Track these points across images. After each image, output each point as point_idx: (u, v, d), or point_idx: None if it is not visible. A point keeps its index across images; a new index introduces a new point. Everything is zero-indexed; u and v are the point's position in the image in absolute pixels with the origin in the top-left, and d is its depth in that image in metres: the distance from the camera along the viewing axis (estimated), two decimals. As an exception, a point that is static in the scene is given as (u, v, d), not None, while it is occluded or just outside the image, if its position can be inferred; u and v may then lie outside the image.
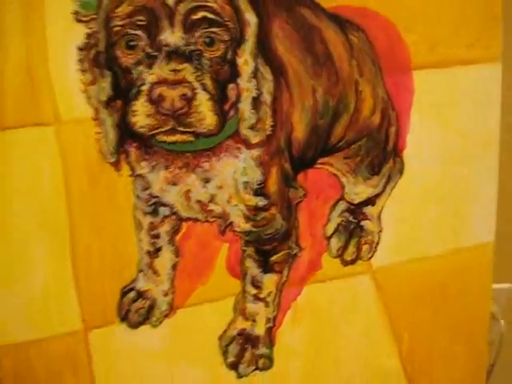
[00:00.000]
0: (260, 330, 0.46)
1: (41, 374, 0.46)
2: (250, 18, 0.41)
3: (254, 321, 0.45)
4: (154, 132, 0.40)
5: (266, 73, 0.42)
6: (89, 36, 0.42)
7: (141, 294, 0.46)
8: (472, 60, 0.42)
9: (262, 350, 0.46)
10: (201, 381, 0.45)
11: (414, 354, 0.45)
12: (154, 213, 0.45)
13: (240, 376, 0.45)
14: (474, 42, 0.42)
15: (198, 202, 0.43)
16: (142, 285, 0.46)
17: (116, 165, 0.43)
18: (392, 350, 0.45)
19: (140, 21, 0.39)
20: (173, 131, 0.40)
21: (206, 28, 0.39)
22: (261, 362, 0.46)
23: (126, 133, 0.42)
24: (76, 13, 0.42)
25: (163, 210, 0.45)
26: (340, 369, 0.45)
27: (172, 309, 0.45)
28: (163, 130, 0.40)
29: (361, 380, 0.45)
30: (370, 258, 0.45)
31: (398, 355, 0.45)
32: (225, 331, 0.45)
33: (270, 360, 0.46)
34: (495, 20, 0.42)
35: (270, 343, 0.45)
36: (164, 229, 0.45)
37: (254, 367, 0.46)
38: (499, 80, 0.42)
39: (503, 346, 0.73)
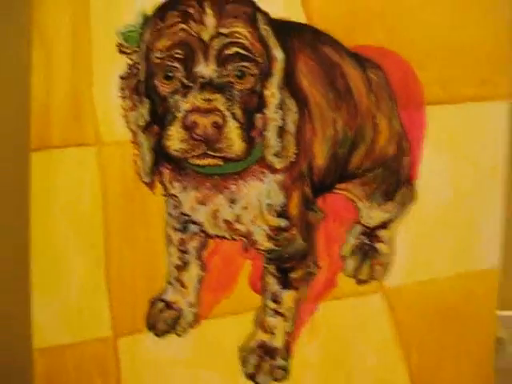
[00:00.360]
0: (278, 342, 0.49)
1: (71, 377, 0.49)
2: (278, 54, 0.45)
3: (272, 334, 0.49)
4: (186, 155, 0.44)
5: (291, 104, 0.45)
6: (130, 66, 0.46)
7: (168, 305, 0.49)
8: (482, 97, 0.46)
9: (280, 361, 0.49)
10: (221, 389, 0.48)
11: (422, 373, 0.48)
12: (184, 230, 0.49)
13: (258, 386, 0.48)
14: (484, 80, 0.45)
15: (225, 221, 0.47)
16: (169, 296, 0.49)
17: (151, 184, 0.47)
18: (402, 368, 0.48)
19: (177, 54, 0.43)
20: (204, 155, 0.43)
21: (238, 62, 0.43)
22: (278, 374, 0.49)
23: (160, 155, 0.46)
24: (120, 45, 0.47)
25: (192, 228, 0.48)
26: (352, 383, 0.48)
27: (197, 320, 0.49)
28: (195, 154, 0.43)
29: None
30: (383, 278, 0.48)
31: (407, 372, 0.48)
32: (245, 342, 0.49)
33: (286, 371, 0.49)
34: (504, 60, 0.45)
35: (287, 355, 0.49)
36: (192, 245, 0.49)
37: (271, 378, 0.49)
38: (507, 116, 0.46)
39: (512, 372, 0.74)
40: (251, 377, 0.48)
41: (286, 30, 0.46)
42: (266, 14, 0.44)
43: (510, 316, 0.75)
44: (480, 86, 0.45)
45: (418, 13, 0.44)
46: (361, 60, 0.46)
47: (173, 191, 0.47)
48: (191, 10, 0.43)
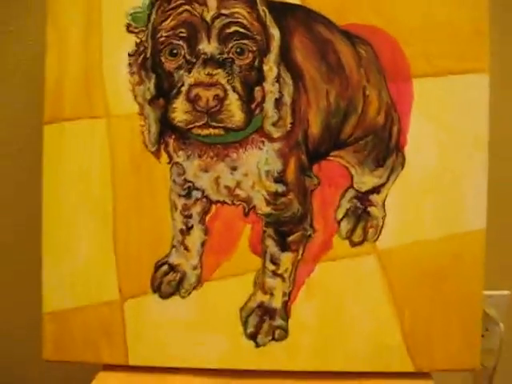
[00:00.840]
0: (277, 303, 0.52)
1: (78, 339, 0.53)
2: (275, 32, 0.51)
3: (271, 294, 0.52)
4: (190, 126, 0.49)
5: (287, 78, 0.50)
6: (138, 44, 0.52)
7: (173, 268, 0.53)
8: (464, 70, 0.51)
9: (279, 321, 0.52)
10: (222, 349, 0.52)
11: (414, 331, 0.51)
12: (188, 196, 0.53)
13: (258, 345, 0.52)
14: (465, 55, 0.51)
15: (226, 187, 0.51)
16: (174, 259, 0.53)
17: (156, 153, 0.52)
18: (394, 325, 0.52)
19: (182, 33, 0.49)
20: (206, 126, 0.49)
21: (238, 40, 0.49)
22: (277, 333, 0.52)
23: (166, 126, 0.51)
24: (128, 25, 0.51)
25: (195, 194, 0.53)
26: (347, 341, 0.52)
27: (200, 282, 0.53)
28: (198, 124, 0.49)
29: (366, 352, 0.52)
30: (376, 240, 0.52)
31: (400, 329, 0.52)
32: (246, 303, 0.53)
33: (285, 331, 0.52)
34: (482, 36, 0.51)
35: (286, 316, 0.53)
36: (196, 210, 0.53)
37: (270, 337, 0.52)
38: (487, 88, 0.50)
39: (503, 348, 0.78)
40: (252, 337, 0.52)
41: (281, 10, 0.51)
42: None
43: (502, 295, 0.79)
44: (462, 59, 0.51)
45: None
46: (351, 37, 0.51)
47: (177, 159, 0.51)
48: None
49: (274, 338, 0.54)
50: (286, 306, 0.55)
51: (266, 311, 0.55)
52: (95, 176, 0.54)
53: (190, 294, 0.55)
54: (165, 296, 0.55)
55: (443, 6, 0.52)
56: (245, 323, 0.54)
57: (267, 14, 0.51)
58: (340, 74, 0.54)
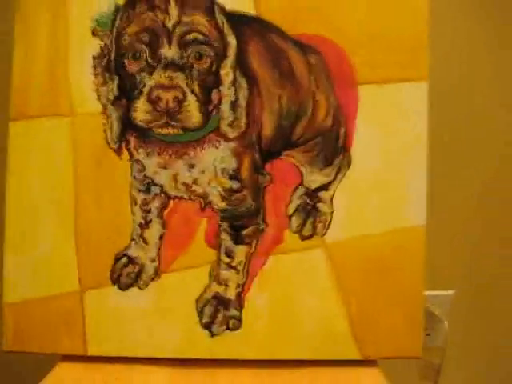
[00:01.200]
0: (231, 294, 0.56)
1: (39, 330, 0.56)
2: (231, 40, 0.58)
3: (226, 286, 0.56)
4: (150, 125, 0.55)
5: (243, 82, 0.56)
6: (102, 48, 0.56)
7: (131, 260, 0.57)
8: (405, 78, 0.57)
9: (233, 311, 0.56)
10: (179, 338, 0.55)
11: (361, 317, 0.56)
12: (147, 191, 0.57)
13: (213, 335, 0.56)
14: (406, 64, 0.56)
15: (184, 183, 0.56)
16: (132, 252, 0.57)
17: (118, 151, 0.56)
18: (342, 313, 0.56)
19: (144, 37, 0.57)
20: (166, 125, 0.54)
21: (197, 46, 0.55)
22: (231, 323, 0.56)
23: (127, 125, 0.55)
24: (94, 29, 0.55)
25: (154, 189, 0.57)
26: (298, 330, 0.57)
27: (157, 274, 0.57)
28: (158, 123, 0.54)
29: (316, 340, 0.57)
30: (324, 234, 0.57)
31: (347, 317, 0.56)
32: (201, 294, 0.56)
33: (239, 321, 0.56)
34: (423, 46, 0.56)
35: (240, 306, 0.57)
36: (154, 205, 0.57)
37: (225, 327, 0.56)
38: (426, 94, 0.55)
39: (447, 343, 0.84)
40: (207, 326, 0.56)
41: (238, 20, 0.57)
42: (221, 6, 0.55)
43: (446, 295, 0.84)
44: (404, 68, 0.57)
45: (350, 5, 0.55)
46: (302, 46, 0.57)
47: (138, 157, 0.55)
48: (157, 1, 0.55)
49: (228, 328, 0.58)
50: (239, 296, 0.58)
51: (220, 302, 0.58)
52: (58, 172, 0.58)
53: (147, 285, 0.58)
54: (124, 287, 0.58)
55: (387, 18, 0.59)
56: (200, 313, 0.58)
57: (225, 22, 0.56)
58: (292, 80, 0.59)
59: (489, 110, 0.84)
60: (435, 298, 0.85)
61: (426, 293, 0.85)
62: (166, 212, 0.59)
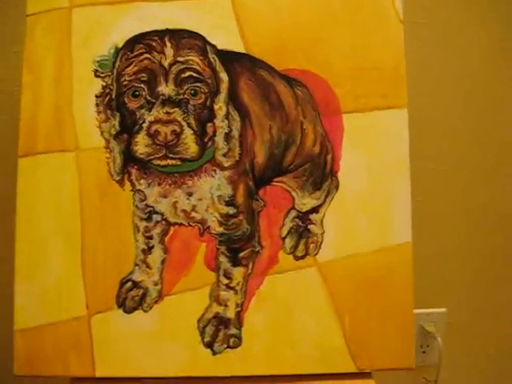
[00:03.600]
0: (231, 313, 0.61)
1: (49, 354, 0.60)
2: (224, 76, 0.64)
3: (226, 306, 0.62)
4: (150, 158, 0.61)
5: (235, 115, 0.62)
6: (104, 87, 0.62)
7: (136, 284, 0.62)
8: (386, 106, 0.63)
9: (233, 330, 0.61)
10: (182, 358, 0.60)
11: (354, 334, 0.61)
12: (149, 219, 0.62)
13: (215, 353, 0.60)
14: (386, 93, 0.62)
15: (183, 210, 0.61)
16: (137, 276, 0.62)
17: (120, 182, 0.61)
18: (337, 331, 0.61)
19: (143, 77, 0.62)
20: (165, 157, 0.60)
21: (192, 83, 0.61)
22: (232, 341, 0.61)
23: (129, 158, 0.60)
24: (96, 71, 0.61)
25: (156, 217, 0.63)
26: (294, 348, 0.62)
27: (160, 296, 0.62)
28: (158, 156, 0.60)
29: (312, 355, 0.61)
30: (316, 254, 0.63)
31: (342, 335, 0.60)
32: (202, 315, 0.62)
33: (239, 339, 0.61)
34: (401, 78, 0.62)
35: (239, 324, 0.62)
36: (156, 231, 0.62)
37: (226, 345, 0.61)
38: (406, 121, 0.62)
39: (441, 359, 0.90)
40: (209, 345, 0.61)
41: (229, 57, 0.64)
42: (213, 46, 0.63)
43: (440, 313, 0.90)
44: (384, 97, 0.62)
45: (332, 42, 0.62)
46: (289, 80, 0.63)
47: (139, 187, 0.61)
48: (154, 43, 0.60)
49: (229, 346, 0.63)
50: (239, 315, 0.64)
51: (221, 321, 0.63)
52: (65, 204, 0.64)
53: (151, 308, 0.63)
54: (129, 310, 0.63)
55: (367, 52, 0.66)
56: (202, 333, 0.63)
57: (217, 60, 0.63)
58: (281, 112, 0.65)
59: (464, 131, 0.90)
60: (428, 315, 0.90)
61: (420, 311, 0.91)
62: (167, 238, 0.64)
